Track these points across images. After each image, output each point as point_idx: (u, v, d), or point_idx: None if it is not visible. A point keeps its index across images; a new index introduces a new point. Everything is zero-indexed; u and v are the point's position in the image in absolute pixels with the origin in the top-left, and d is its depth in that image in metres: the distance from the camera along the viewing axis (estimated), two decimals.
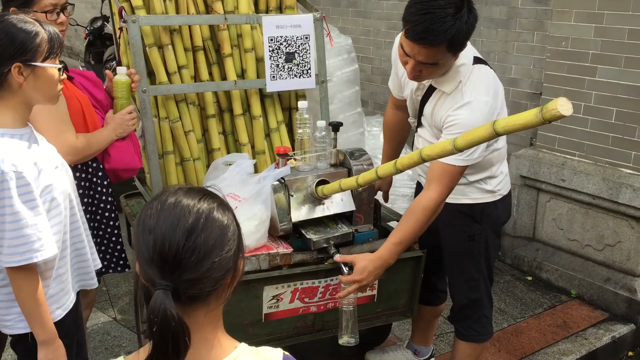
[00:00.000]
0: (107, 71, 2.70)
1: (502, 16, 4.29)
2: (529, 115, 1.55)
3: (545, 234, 4.06)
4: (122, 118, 2.53)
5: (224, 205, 1.16)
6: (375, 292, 2.55)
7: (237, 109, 3.01)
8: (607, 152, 3.65)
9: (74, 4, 2.71)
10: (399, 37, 2.24)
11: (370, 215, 2.54)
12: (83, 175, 2.49)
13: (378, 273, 2.24)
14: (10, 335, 2.02)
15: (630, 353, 3.56)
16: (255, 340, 2.40)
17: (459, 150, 1.79)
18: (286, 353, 1.22)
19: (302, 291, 2.40)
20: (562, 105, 1.48)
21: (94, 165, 2.52)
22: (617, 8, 3.48)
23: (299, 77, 3.04)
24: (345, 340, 2.32)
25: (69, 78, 2.45)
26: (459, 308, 2.62)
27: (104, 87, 2.62)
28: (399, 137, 2.78)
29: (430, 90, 2.29)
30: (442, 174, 2.17)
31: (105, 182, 2.57)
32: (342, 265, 2.28)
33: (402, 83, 2.46)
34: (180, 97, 2.89)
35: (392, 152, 2.79)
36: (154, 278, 1.07)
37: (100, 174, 2.55)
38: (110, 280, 3.93)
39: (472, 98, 2.15)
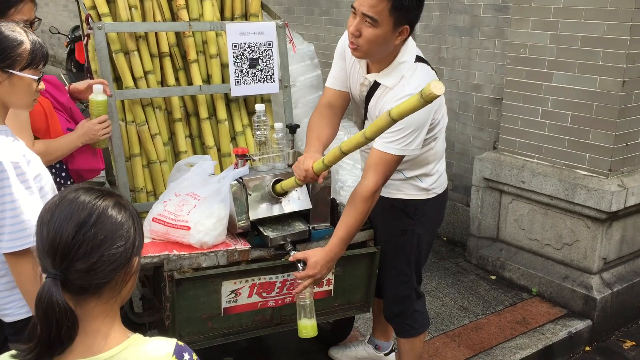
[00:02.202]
0: (71, 85, 2.79)
1: (466, 24, 4.43)
2: (413, 100, 1.84)
3: (508, 234, 4.19)
4: (91, 127, 2.60)
5: (121, 205, 1.25)
6: (332, 287, 2.66)
7: (203, 113, 3.12)
8: (563, 154, 3.79)
9: (41, 19, 2.82)
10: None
11: (326, 213, 2.65)
12: None
13: (330, 266, 2.36)
14: (12, 326, 2.01)
15: (587, 348, 3.68)
16: (215, 333, 2.50)
17: (368, 139, 2.03)
18: (180, 343, 1.30)
19: (260, 286, 2.50)
20: (435, 87, 1.76)
21: (58, 166, 2.62)
22: (571, 16, 3.63)
23: (263, 82, 3.15)
24: (305, 333, 2.41)
25: None
26: (389, 305, 2.73)
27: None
28: (328, 135, 2.58)
29: (375, 86, 2.40)
30: (379, 162, 2.29)
31: (68, 182, 2.67)
32: (297, 263, 2.38)
33: (349, 72, 2.52)
34: (147, 102, 2.99)
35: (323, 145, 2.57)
36: (47, 267, 1.17)
37: (63, 174, 2.64)
38: None
39: (415, 91, 2.26)
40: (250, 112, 3.28)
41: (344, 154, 2.15)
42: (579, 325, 3.63)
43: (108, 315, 1.24)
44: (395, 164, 2.32)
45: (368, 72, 2.42)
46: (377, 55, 2.33)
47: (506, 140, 4.12)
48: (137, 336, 1.28)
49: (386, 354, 3.14)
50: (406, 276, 2.66)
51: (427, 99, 1.79)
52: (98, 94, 2.58)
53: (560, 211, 3.83)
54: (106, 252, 1.19)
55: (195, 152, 3.18)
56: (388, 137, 2.28)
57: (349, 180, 3.91)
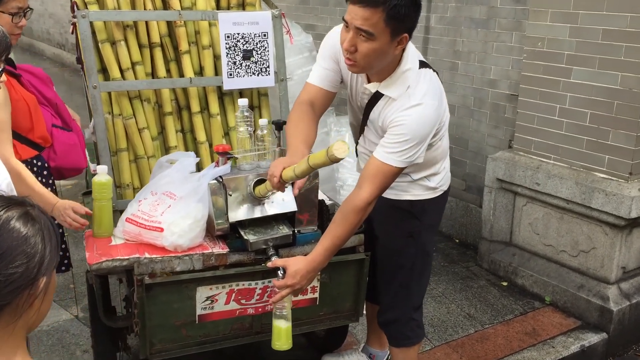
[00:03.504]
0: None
1: (482, 16, 4.20)
2: (322, 155, 1.88)
3: (521, 239, 3.96)
4: (63, 211, 2.31)
5: (29, 216, 1.10)
6: (317, 295, 2.49)
7: (195, 106, 2.97)
8: (581, 155, 3.55)
9: (32, 9, 2.72)
10: (338, 27, 2.20)
11: (314, 216, 2.49)
12: None
13: (311, 277, 2.19)
14: None
15: None
16: (189, 341, 2.36)
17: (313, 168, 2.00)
18: None
19: (238, 292, 2.35)
20: (337, 150, 1.81)
21: (39, 163, 2.51)
22: (592, 8, 3.38)
23: (257, 75, 2.99)
24: (279, 345, 2.26)
25: (16, 76, 2.44)
26: (384, 311, 2.57)
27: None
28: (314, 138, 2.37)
29: (377, 96, 2.23)
30: (377, 173, 2.12)
31: (50, 181, 2.56)
32: (277, 271, 2.23)
33: (346, 78, 2.34)
34: (134, 94, 2.86)
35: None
36: None
37: (45, 172, 2.53)
38: (79, 278, 3.92)
39: (422, 101, 2.11)
40: None
41: (312, 168, 2.00)
42: (593, 338, 3.40)
43: (7, 342, 1.10)
44: (394, 176, 2.15)
45: (368, 81, 2.24)
46: (377, 68, 2.15)
47: (521, 139, 3.89)
48: None
49: None
50: (407, 281, 2.49)
51: (331, 159, 1.85)
52: (102, 175, 2.39)
53: (577, 216, 3.59)
54: (2, 270, 1.04)
55: (186, 148, 3.04)
56: (390, 147, 2.11)
57: (350, 179, 3.74)
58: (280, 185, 2.10)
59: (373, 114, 2.27)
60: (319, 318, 2.55)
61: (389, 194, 2.32)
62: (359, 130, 2.45)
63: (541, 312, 3.65)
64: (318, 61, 2.34)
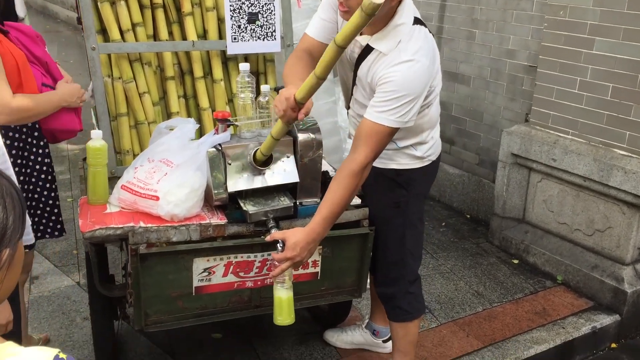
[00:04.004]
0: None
1: None
2: (355, 17, 1.66)
3: (535, 216, 3.84)
4: (74, 90, 2.42)
5: None
6: (318, 269, 2.41)
7: (198, 71, 2.87)
8: (600, 131, 3.41)
9: None
10: None
11: (316, 186, 2.38)
12: (17, 135, 2.39)
13: (312, 248, 2.10)
14: None
15: (613, 345, 3.36)
16: (186, 313, 2.29)
17: (321, 78, 1.83)
18: (61, 355, 1.03)
19: (236, 265, 2.27)
20: None
21: (29, 125, 2.42)
22: None
23: (263, 40, 2.87)
24: (281, 320, 2.18)
25: (4, 32, 2.34)
26: (380, 284, 2.49)
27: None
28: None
29: (367, 50, 2.11)
30: (370, 134, 2.02)
31: (41, 143, 2.48)
32: (277, 244, 2.13)
33: (340, 26, 2.24)
34: (135, 57, 2.75)
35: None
36: None
37: (36, 134, 2.45)
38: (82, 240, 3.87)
39: (412, 57, 2.00)
40: (251, 72, 3.01)
41: (319, 79, 1.87)
42: (605, 320, 3.30)
43: None
44: (388, 136, 2.04)
45: (360, 33, 2.11)
46: None
47: (539, 112, 3.74)
48: (7, 345, 1.05)
49: (385, 341, 2.90)
50: (398, 254, 2.41)
51: (368, 12, 1.63)
52: (97, 140, 2.30)
53: (594, 194, 3.46)
54: None
55: (188, 114, 2.94)
56: (381, 107, 2.00)
57: None
58: (296, 108, 1.96)
59: (361, 70, 2.16)
60: (320, 293, 2.47)
61: (375, 163, 2.22)
62: (349, 91, 2.33)
63: (552, 292, 3.54)
64: (318, 11, 2.25)
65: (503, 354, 2.97)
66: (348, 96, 2.36)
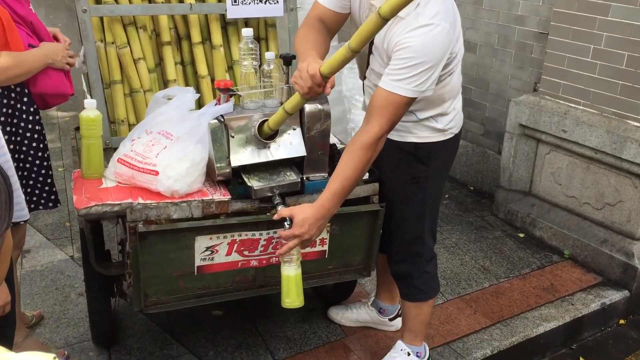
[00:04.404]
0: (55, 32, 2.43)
1: None
2: (371, 20, 1.62)
3: (542, 189, 3.74)
4: (58, 48, 2.29)
5: None
6: (326, 247, 2.30)
7: (196, 36, 2.70)
8: (614, 101, 3.28)
9: None
10: None
11: (324, 161, 2.26)
12: (5, 100, 2.24)
13: (321, 225, 1.98)
14: None
15: (621, 321, 3.29)
16: (187, 294, 2.18)
17: (355, 51, 1.70)
18: None
19: (240, 243, 2.15)
20: None
21: (18, 89, 2.27)
22: None
23: (265, 3, 2.71)
24: (289, 302, 2.07)
25: None
26: (396, 262, 2.38)
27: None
28: (326, 48, 2.15)
29: None
30: (385, 104, 1.88)
31: (31, 109, 2.33)
32: (284, 221, 2.01)
33: None
34: (129, 20, 2.58)
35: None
36: None
37: (25, 99, 2.30)
38: (76, 216, 3.74)
39: (432, 21, 1.85)
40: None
41: (354, 52, 1.73)
42: (614, 296, 3.23)
43: None
44: (404, 106, 1.90)
45: None
46: None
47: (549, 82, 3.61)
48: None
49: (391, 319, 2.81)
50: (417, 231, 2.29)
51: (384, 16, 1.58)
52: (90, 110, 2.14)
53: (605, 167, 3.35)
54: None
55: (186, 82, 2.79)
56: (397, 74, 1.86)
57: (362, 121, 3.48)
58: (323, 83, 1.83)
59: (378, 36, 2.01)
60: (328, 272, 2.36)
61: (392, 135, 2.09)
62: (365, 60, 2.19)
63: (559, 267, 3.46)
64: None
65: (512, 331, 2.89)
66: (364, 66, 2.21)
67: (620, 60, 3.21)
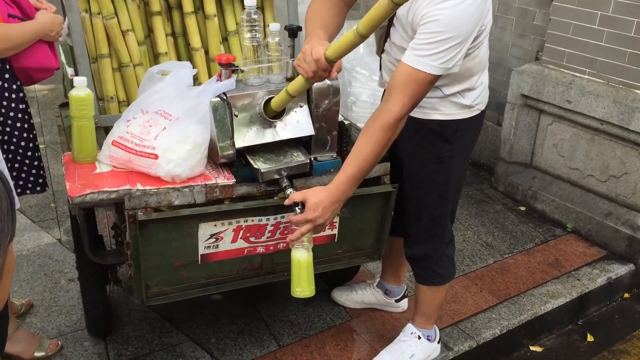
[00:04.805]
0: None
1: None
2: (381, 4, 1.49)
3: (543, 161, 3.65)
4: (56, 21, 2.14)
5: None
6: (336, 231, 2.18)
7: (187, 5, 2.54)
8: (622, 70, 3.18)
9: None
10: None
11: (333, 140, 2.12)
12: None
13: (335, 209, 1.86)
14: None
15: (626, 295, 3.24)
16: (191, 284, 2.06)
17: (364, 36, 1.57)
18: None
19: (246, 229, 2.02)
20: None
21: None
22: None
23: None
24: (300, 292, 1.96)
25: None
26: (413, 244, 2.27)
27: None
28: (336, 25, 2.01)
29: None
30: (407, 82, 1.74)
31: (14, 86, 2.15)
32: (294, 206, 1.88)
33: None
34: None
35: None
36: None
37: (7, 75, 2.12)
38: (61, 196, 3.58)
39: None
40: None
41: (362, 37, 1.60)
42: (619, 270, 3.17)
43: None
44: (429, 84, 1.76)
45: None
46: None
47: (552, 50, 3.48)
48: None
49: (397, 300, 2.72)
50: (438, 212, 2.18)
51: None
52: (81, 89, 1.96)
53: (610, 138, 3.26)
54: None
55: (178, 55, 2.63)
56: (422, 49, 1.71)
57: (364, 93, 3.35)
58: (328, 68, 1.71)
59: (402, 7, 1.85)
60: (337, 256, 2.25)
61: (415, 113, 1.95)
62: (384, 33, 2.04)
63: (563, 241, 3.40)
64: None
65: (520, 309, 2.82)
66: (381, 39, 2.06)
67: (629, 27, 3.09)
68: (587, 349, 2.87)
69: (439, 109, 2.00)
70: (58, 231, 3.24)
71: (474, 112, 2.05)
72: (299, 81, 1.82)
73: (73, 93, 1.96)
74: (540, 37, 3.63)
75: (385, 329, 2.65)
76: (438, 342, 2.48)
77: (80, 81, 1.98)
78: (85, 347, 2.47)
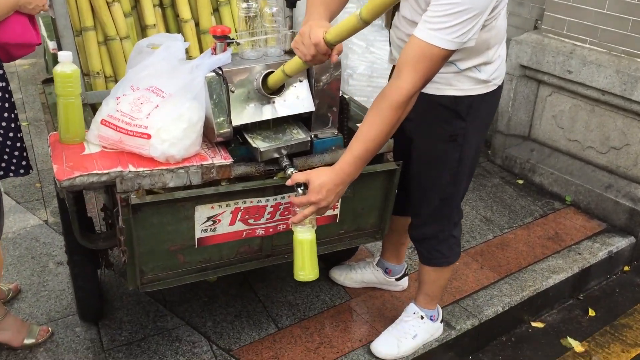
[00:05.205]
0: None
1: None
2: None
3: (542, 133, 3.58)
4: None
5: None
6: (337, 211, 2.09)
7: None
8: (624, 39, 3.09)
9: None
10: None
11: (334, 116, 2.03)
12: None
13: (340, 191, 1.76)
14: None
15: (626, 268, 3.21)
16: (187, 268, 1.97)
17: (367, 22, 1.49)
18: None
19: (245, 211, 1.93)
20: None
21: None
22: None
23: None
24: (303, 275, 1.87)
25: None
26: (421, 224, 2.19)
27: None
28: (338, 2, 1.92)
29: None
30: (420, 57, 1.63)
31: None
32: (297, 188, 1.79)
33: None
34: None
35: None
36: None
37: None
38: (46, 175, 3.45)
39: None
40: None
41: (365, 23, 1.53)
42: (620, 243, 3.13)
43: None
44: (442, 60, 1.66)
45: None
46: None
47: (552, 18, 3.38)
48: None
49: (398, 279, 2.65)
50: (449, 192, 2.10)
51: None
52: (66, 64, 1.83)
53: (612, 109, 3.19)
54: None
55: (167, 27, 2.49)
56: (436, 23, 1.60)
57: (361, 66, 3.24)
58: (329, 52, 1.65)
59: None
60: (339, 237, 2.17)
61: (428, 89, 1.85)
62: (390, 14, 1.93)
63: (562, 214, 3.34)
64: None
65: (521, 285, 2.77)
66: (390, 11, 1.94)
67: None
68: (589, 323, 2.84)
69: (454, 85, 1.90)
70: (44, 212, 3.13)
71: (491, 88, 1.95)
72: (296, 62, 1.73)
73: (58, 69, 1.83)
74: (540, 5, 3.53)
75: (386, 308, 2.59)
76: (441, 322, 2.43)
77: (66, 56, 1.85)
78: (77, 333, 2.38)
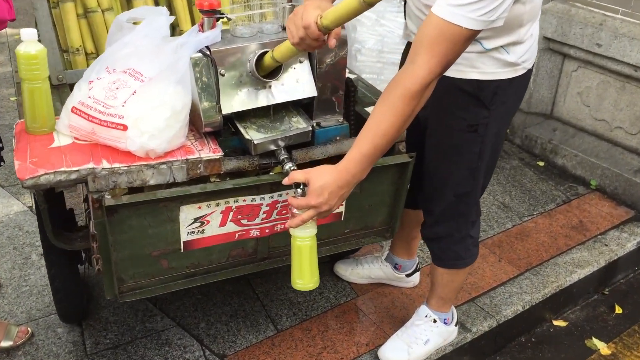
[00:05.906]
0: None
1: None
2: None
3: (566, 111, 3.31)
4: None
5: None
6: (342, 208, 1.86)
7: None
8: None
9: None
10: None
11: (339, 101, 1.78)
12: None
13: (344, 194, 1.52)
14: None
15: None
16: (173, 275, 1.75)
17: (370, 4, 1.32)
18: None
19: (237, 211, 1.70)
20: None
21: None
22: None
23: None
24: (301, 284, 1.65)
25: None
26: (434, 222, 1.96)
27: None
28: None
29: None
30: (438, 39, 1.37)
31: None
32: (296, 187, 1.55)
33: None
34: None
35: None
36: None
37: None
38: None
39: None
40: None
41: (368, 5, 1.33)
42: None
43: None
44: (465, 42, 1.39)
45: None
46: None
47: None
48: None
49: (408, 275, 2.44)
50: (466, 189, 1.86)
51: None
52: (31, 43, 1.59)
53: None
54: None
55: (155, 0, 2.24)
56: None
57: (370, 40, 2.95)
58: (320, 38, 1.45)
59: None
60: (344, 236, 1.94)
61: (449, 71, 1.60)
62: None
63: (587, 200, 3.10)
64: None
65: (543, 281, 2.55)
66: None
67: None
68: (615, 322, 2.62)
69: (478, 67, 1.64)
70: (30, 198, 2.92)
71: (519, 72, 1.69)
72: (286, 46, 1.49)
73: (21, 49, 1.59)
74: None
75: (395, 307, 2.38)
76: (455, 325, 2.21)
77: (30, 34, 1.60)
78: (59, 335, 2.19)
